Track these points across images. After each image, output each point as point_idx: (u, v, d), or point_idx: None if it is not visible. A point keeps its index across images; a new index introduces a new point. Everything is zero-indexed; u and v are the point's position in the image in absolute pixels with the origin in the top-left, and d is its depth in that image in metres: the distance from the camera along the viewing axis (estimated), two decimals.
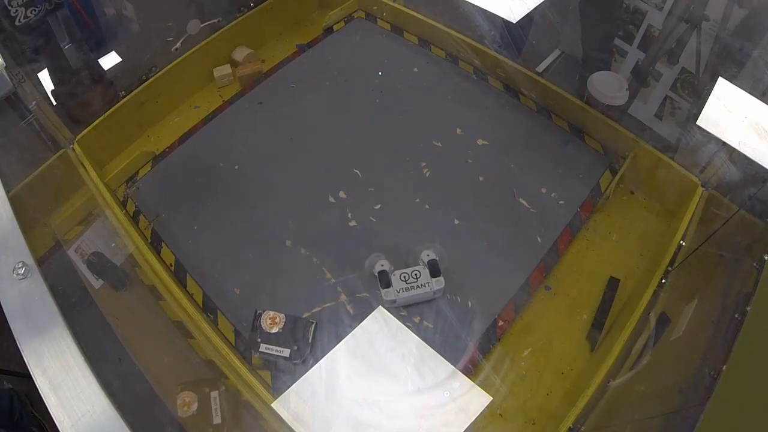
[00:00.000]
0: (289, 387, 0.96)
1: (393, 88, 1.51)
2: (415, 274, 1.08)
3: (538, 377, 1.02)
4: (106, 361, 1.04)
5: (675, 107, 1.59)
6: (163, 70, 1.44)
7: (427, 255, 1.11)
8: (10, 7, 1.15)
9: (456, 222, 1.21)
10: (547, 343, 1.06)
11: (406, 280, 1.07)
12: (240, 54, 1.59)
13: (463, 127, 1.39)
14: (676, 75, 1.56)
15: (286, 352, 1.00)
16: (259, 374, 1.01)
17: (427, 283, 1.07)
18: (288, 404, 0.94)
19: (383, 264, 1.10)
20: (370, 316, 1.07)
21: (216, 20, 1.56)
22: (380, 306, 1.07)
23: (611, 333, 1.03)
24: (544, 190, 1.26)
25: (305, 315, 1.07)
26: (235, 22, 1.58)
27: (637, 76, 1.62)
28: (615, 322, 1.06)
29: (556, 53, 1.87)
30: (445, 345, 1.04)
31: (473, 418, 0.96)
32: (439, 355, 1.02)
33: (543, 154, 1.34)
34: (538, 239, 1.18)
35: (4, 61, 1.17)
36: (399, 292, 1.06)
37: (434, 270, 1.08)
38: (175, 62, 1.46)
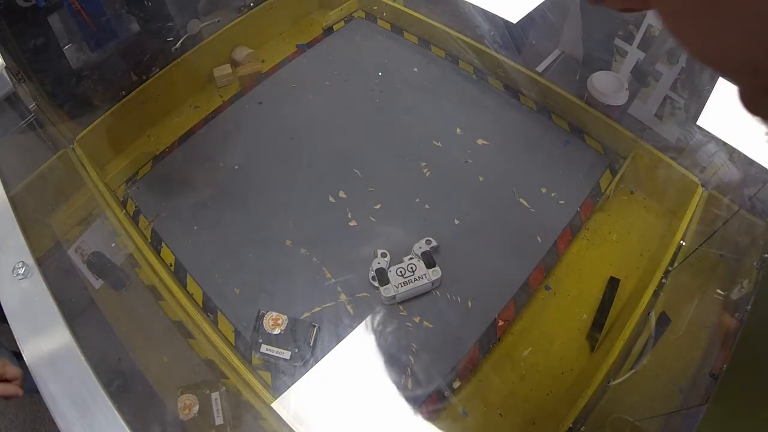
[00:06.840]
0: (289, 387, 0.97)
1: (393, 88, 1.51)
2: (411, 268, 1.08)
3: (538, 377, 1.02)
4: (106, 361, 1.04)
5: (675, 107, 1.59)
6: (163, 70, 1.44)
7: (419, 247, 1.12)
8: None
9: (456, 222, 1.21)
10: (547, 343, 1.06)
11: (402, 275, 1.07)
12: (240, 54, 1.59)
13: (463, 127, 1.39)
14: (676, 75, 1.55)
15: (287, 354, 1.00)
16: (260, 374, 1.01)
17: (424, 275, 1.07)
18: (288, 404, 0.94)
19: (380, 261, 1.10)
20: (370, 316, 1.07)
21: (216, 20, 1.56)
22: (380, 306, 1.08)
23: (611, 333, 1.03)
24: (544, 190, 1.26)
25: (305, 315, 1.07)
26: (235, 22, 1.58)
27: (637, 76, 1.61)
28: (615, 322, 1.06)
29: (556, 53, 1.87)
30: (445, 345, 1.04)
31: (473, 418, 0.97)
32: (439, 355, 1.02)
33: (543, 154, 1.34)
34: (538, 239, 1.18)
35: (4, 60, 1.17)
36: (398, 288, 1.06)
37: (429, 261, 1.08)
38: (175, 62, 1.46)
